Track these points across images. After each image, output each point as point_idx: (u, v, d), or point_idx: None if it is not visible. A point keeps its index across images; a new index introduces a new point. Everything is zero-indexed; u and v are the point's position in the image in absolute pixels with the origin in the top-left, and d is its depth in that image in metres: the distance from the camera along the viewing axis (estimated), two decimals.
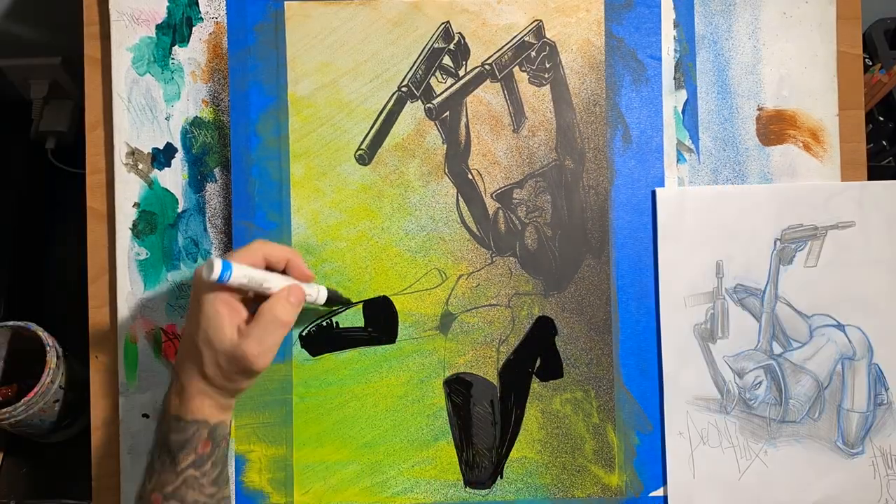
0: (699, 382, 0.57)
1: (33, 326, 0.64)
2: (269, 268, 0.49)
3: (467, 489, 0.58)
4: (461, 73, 0.58)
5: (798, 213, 0.56)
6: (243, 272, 0.46)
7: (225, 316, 0.46)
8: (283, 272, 0.51)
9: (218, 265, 0.45)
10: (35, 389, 0.62)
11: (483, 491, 0.58)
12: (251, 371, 0.47)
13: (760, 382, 0.56)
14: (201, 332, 0.46)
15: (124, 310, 0.59)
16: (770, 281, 0.56)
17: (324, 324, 0.58)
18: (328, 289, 0.54)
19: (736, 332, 0.57)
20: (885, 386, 0.56)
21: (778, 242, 0.56)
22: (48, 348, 0.63)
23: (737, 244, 0.56)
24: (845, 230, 0.55)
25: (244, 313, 0.47)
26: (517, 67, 0.58)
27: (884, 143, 0.75)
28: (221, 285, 0.46)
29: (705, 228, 0.56)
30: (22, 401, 0.62)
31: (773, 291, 0.56)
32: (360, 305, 0.58)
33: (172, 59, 0.59)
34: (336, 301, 0.56)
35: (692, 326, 0.57)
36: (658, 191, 0.56)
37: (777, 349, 0.56)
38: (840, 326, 0.56)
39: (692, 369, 0.56)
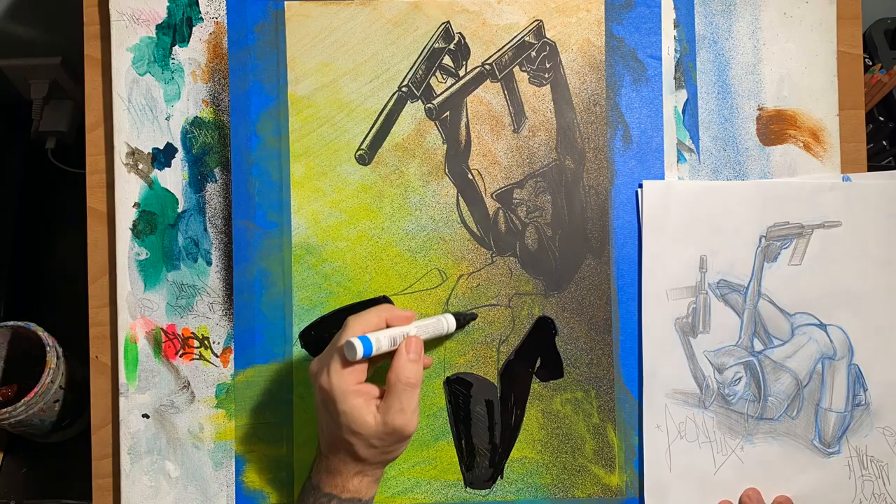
0: (678, 376, 0.56)
1: (33, 326, 0.64)
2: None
3: (468, 489, 0.58)
4: (461, 73, 0.58)
5: (784, 211, 0.56)
6: (377, 344, 0.48)
7: (363, 406, 0.47)
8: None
9: (360, 346, 0.46)
10: (35, 389, 0.62)
11: (483, 491, 0.58)
12: (405, 438, 0.49)
13: (740, 379, 0.56)
14: (345, 428, 0.47)
15: (124, 310, 0.59)
16: (753, 278, 0.56)
17: (324, 323, 0.58)
18: (453, 313, 0.56)
19: (717, 328, 0.57)
20: (863, 387, 0.56)
21: (763, 239, 0.56)
22: (48, 348, 0.63)
23: (722, 239, 0.56)
24: (831, 229, 0.55)
25: (374, 390, 0.48)
26: (517, 67, 0.58)
27: (884, 143, 0.75)
28: (349, 371, 0.47)
29: (691, 223, 0.56)
30: (22, 401, 0.62)
31: (756, 288, 0.56)
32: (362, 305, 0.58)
33: (173, 59, 0.59)
34: (464, 320, 0.56)
35: (673, 320, 0.57)
36: (644, 183, 0.56)
37: (758, 346, 0.56)
38: (822, 325, 0.56)
39: (672, 363, 0.56)
